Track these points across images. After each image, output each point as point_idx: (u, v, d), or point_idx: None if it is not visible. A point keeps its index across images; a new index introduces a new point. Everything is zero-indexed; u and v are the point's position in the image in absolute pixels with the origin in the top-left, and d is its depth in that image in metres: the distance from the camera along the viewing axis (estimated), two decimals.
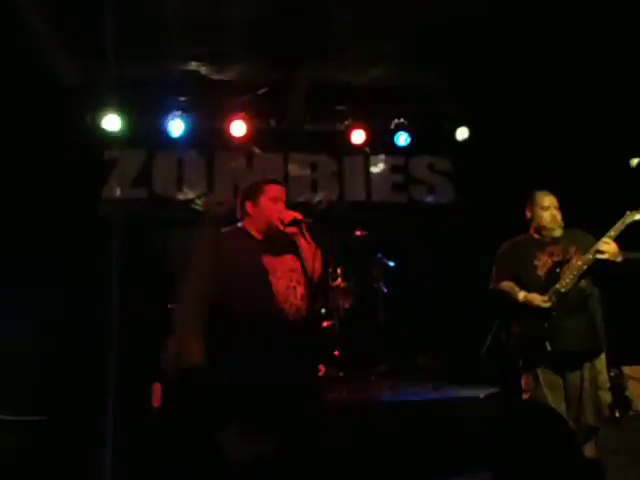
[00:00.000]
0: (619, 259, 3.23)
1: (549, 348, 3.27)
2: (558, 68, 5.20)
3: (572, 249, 3.40)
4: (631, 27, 4.58)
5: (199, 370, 2.55)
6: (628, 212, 3.29)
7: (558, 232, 3.50)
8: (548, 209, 3.52)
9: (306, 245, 2.94)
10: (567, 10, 4.46)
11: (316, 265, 2.94)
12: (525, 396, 3.44)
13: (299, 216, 2.91)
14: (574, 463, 2.57)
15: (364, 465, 3.68)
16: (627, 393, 4.43)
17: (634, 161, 3.08)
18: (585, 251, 3.31)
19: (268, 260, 2.87)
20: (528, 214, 3.62)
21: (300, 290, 2.86)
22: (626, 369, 4.53)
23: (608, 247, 3.22)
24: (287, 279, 2.86)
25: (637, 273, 3.60)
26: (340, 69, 5.64)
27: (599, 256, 3.23)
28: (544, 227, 3.51)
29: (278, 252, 2.91)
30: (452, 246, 6.07)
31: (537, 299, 3.33)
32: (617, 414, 4.23)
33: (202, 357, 2.55)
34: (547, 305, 3.31)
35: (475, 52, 5.11)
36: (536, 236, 3.57)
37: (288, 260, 2.93)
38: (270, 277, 2.82)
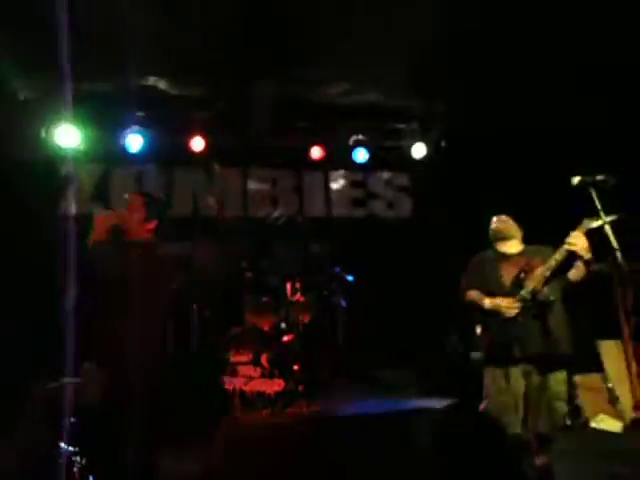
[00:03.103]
0: (588, 255, 3.23)
1: (518, 354, 3.35)
2: (512, 89, 5.38)
3: (536, 260, 3.49)
4: (583, 57, 4.82)
5: None
6: (585, 220, 3.34)
7: (520, 248, 3.63)
8: (509, 226, 3.67)
9: None
10: (523, 38, 4.67)
11: None
12: (484, 404, 3.51)
13: None
14: (521, 472, 2.64)
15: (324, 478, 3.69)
16: (577, 402, 4.55)
17: (574, 179, 3.21)
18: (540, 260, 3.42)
19: None
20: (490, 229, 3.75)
21: None
22: (577, 378, 4.66)
23: (578, 240, 3.23)
24: None
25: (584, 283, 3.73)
26: (300, 86, 5.72)
27: (568, 247, 3.25)
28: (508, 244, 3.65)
29: None
30: (410, 260, 6.17)
31: (503, 305, 3.41)
32: (568, 422, 4.36)
33: None
34: (513, 310, 3.39)
35: (432, 71, 5.25)
36: (501, 250, 3.68)
37: None
38: None
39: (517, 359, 3.37)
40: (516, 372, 3.40)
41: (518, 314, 3.39)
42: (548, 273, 3.33)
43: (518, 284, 3.45)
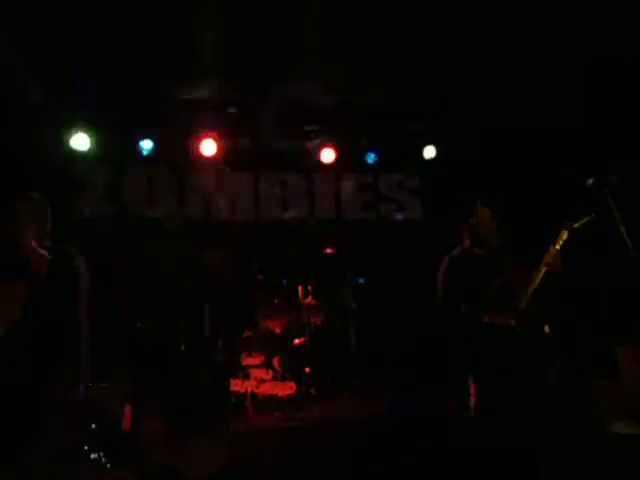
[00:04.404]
0: (560, 271, 3.34)
1: (521, 369, 3.33)
2: (524, 89, 5.37)
3: (514, 262, 3.48)
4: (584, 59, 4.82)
5: None
6: (567, 222, 3.38)
7: (497, 244, 3.58)
8: (488, 221, 3.59)
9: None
10: (532, 37, 4.66)
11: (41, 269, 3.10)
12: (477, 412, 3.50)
13: None
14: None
15: None
16: (594, 407, 4.51)
17: (589, 180, 3.21)
18: (526, 264, 3.42)
19: None
20: (467, 227, 3.66)
21: None
22: (594, 383, 4.62)
23: (555, 259, 3.32)
24: None
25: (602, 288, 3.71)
26: (310, 89, 5.72)
27: (547, 268, 3.32)
28: (485, 239, 3.58)
29: None
30: (421, 262, 6.14)
31: (502, 320, 3.38)
32: (583, 426, 4.32)
33: None
34: (512, 324, 3.36)
35: (443, 73, 5.25)
36: (478, 250, 3.61)
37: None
38: None
39: (519, 372, 3.35)
40: (514, 383, 3.39)
41: (515, 328, 3.37)
42: (537, 284, 3.35)
43: (507, 294, 3.43)
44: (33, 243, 3.10)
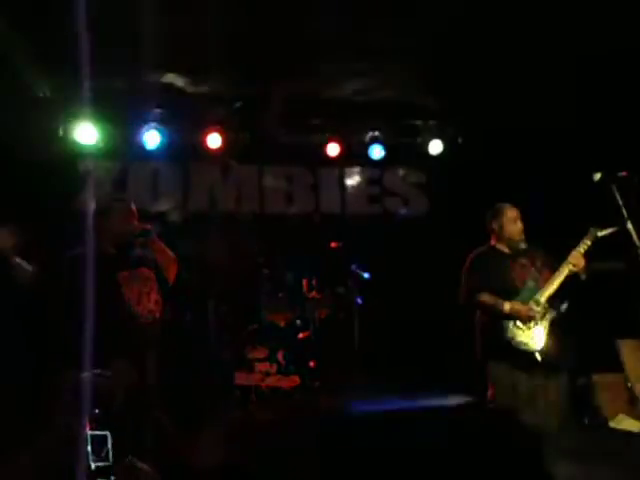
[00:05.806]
0: (583, 277, 3.41)
1: (539, 358, 3.35)
2: (530, 86, 5.34)
3: (538, 262, 3.51)
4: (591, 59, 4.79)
5: None
6: (592, 228, 3.41)
7: (523, 244, 3.62)
8: (516, 221, 3.63)
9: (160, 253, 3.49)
10: (539, 34, 4.64)
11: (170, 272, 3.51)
12: (492, 405, 3.50)
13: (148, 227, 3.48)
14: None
15: (338, 477, 3.69)
16: (596, 402, 4.51)
17: (596, 175, 3.20)
18: (549, 263, 3.44)
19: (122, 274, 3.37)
20: (495, 226, 3.69)
21: (153, 296, 3.38)
22: (595, 377, 4.61)
23: (578, 261, 3.37)
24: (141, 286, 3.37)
25: (603, 282, 3.72)
26: (315, 83, 5.71)
27: (572, 268, 3.35)
28: (512, 239, 3.62)
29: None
30: (426, 257, 6.14)
31: (524, 310, 3.40)
32: (586, 421, 4.32)
33: None
34: (534, 315, 3.39)
35: (449, 67, 5.23)
36: (505, 249, 3.65)
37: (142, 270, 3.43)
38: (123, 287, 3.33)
39: (537, 364, 3.37)
40: (527, 377, 3.40)
41: (536, 319, 3.39)
42: (563, 278, 3.38)
43: (530, 289, 3.45)
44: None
